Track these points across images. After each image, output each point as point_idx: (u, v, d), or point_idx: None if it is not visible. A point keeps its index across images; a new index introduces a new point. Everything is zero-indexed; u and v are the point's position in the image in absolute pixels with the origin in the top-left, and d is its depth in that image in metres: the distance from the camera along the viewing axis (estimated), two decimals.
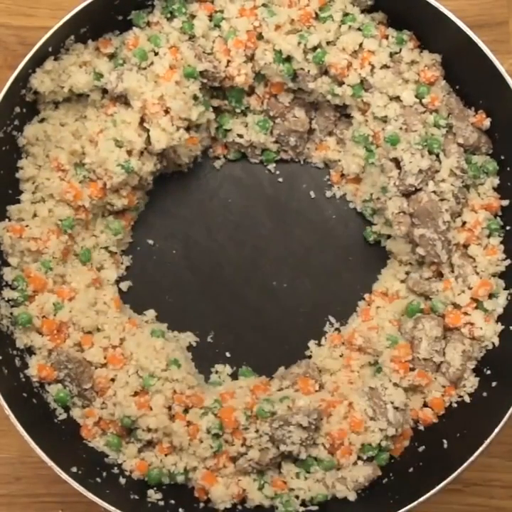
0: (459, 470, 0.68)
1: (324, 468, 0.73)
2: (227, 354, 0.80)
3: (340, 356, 0.78)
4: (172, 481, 0.74)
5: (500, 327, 0.75)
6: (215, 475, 0.73)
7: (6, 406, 0.68)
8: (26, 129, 0.75)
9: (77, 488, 0.68)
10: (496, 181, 0.77)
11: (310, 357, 0.79)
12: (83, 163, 0.75)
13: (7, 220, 0.75)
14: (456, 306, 0.75)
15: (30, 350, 0.74)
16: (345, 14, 0.76)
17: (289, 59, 0.75)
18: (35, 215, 0.75)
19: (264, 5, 0.76)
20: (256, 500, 0.73)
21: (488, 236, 0.76)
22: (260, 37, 0.76)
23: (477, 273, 0.76)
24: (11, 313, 0.74)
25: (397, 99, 0.76)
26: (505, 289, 0.76)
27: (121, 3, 0.74)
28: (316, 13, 0.76)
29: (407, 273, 0.79)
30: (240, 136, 0.80)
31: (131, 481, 0.74)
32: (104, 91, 0.76)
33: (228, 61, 0.76)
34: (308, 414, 0.71)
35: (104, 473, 0.73)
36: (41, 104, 0.76)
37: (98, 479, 0.72)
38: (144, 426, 0.72)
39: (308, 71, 0.75)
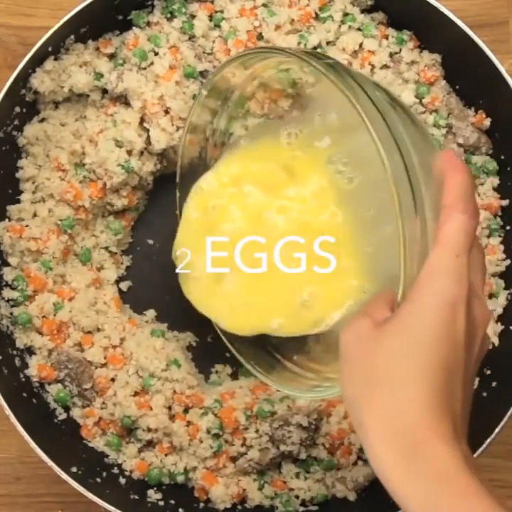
0: None
1: (324, 468, 0.73)
2: (227, 354, 0.79)
3: None
4: (172, 481, 0.74)
5: (500, 327, 0.75)
6: (215, 475, 0.73)
7: (6, 406, 0.68)
8: (26, 129, 0.75)
9: (77, 488, 0.68)
10: (496, 181, 0.77)
11: None
12: (83, 163, 0.75)
13: (7, 220, 0.75)
14: None
15: (30, 350, 0.74)
16: (345, 14, 0.76)
17: None
18: (35, 215, 0.75)
19: (264, 5, 0.76)
20: (256, 500, 0.73)
21: (488, 236, 0.76)
22: (260, 37, 0.76)
23: None
24: (11, 313, 0.74)
25: None
26: (505, 289, 0.76)
27: (121, 3, 0.74)
28: (316, 13, 0.76)
29: None
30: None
31: (131, 481, 0.74)
32: (104, 91, 0.76)
33: None
34: (308, 414, 0.71)
35: (104, 473, 0.73)
36: (41, 104, 0.76)
37: (98, 479, 0.72)
38: (144, 426, 0.72)
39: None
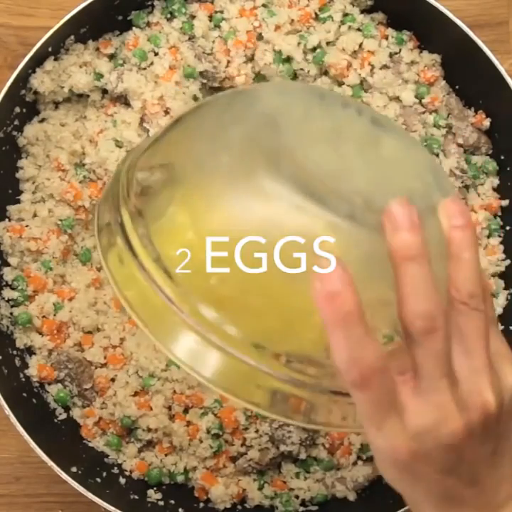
0: None
1: (324, 468, 0.73)
2: None
3: None
4: (172, 481, 0.74)
5: (500, 327, 0.75)
6: (215, 475, 0.73)
7: (6, 406, 0.68)
8: (26, 129, 0.75)
9: (77, 488, 0.68)
10: (496, 181, 0.77)
11: None
12: (83, 163, 0.75)
13: (7, 220, 0.75)
14: None
15: (30, 350, 0.74)
16: (345, 14, 0.76)
17: (288, 59, 0.75)
18: (35, 215, 0.75)
19: (264, 5, 0.76)
20: (256, 500, 0.73)
21: (488, 236, 0.76)
22: (260, 37, 0.76)
23: None
24: (11, 313, 0.74)
25: (397, 99, 0.76)
26: (505, 289, 0.76)
27: (121, 3, 0.74)
28: (316, 14, 0.76)
29: None
30: None
31: (131, 481, 0.74)
32: (104, 91, 0.76)
33: (228, 61, 0.76)
34: None
35: (104, 473, 0.73)
36: (41, 104, 0.76)
37: (98, 479, 0.72)
38: (144, 426, 0.72)
39: (308, 71, 0.75)
